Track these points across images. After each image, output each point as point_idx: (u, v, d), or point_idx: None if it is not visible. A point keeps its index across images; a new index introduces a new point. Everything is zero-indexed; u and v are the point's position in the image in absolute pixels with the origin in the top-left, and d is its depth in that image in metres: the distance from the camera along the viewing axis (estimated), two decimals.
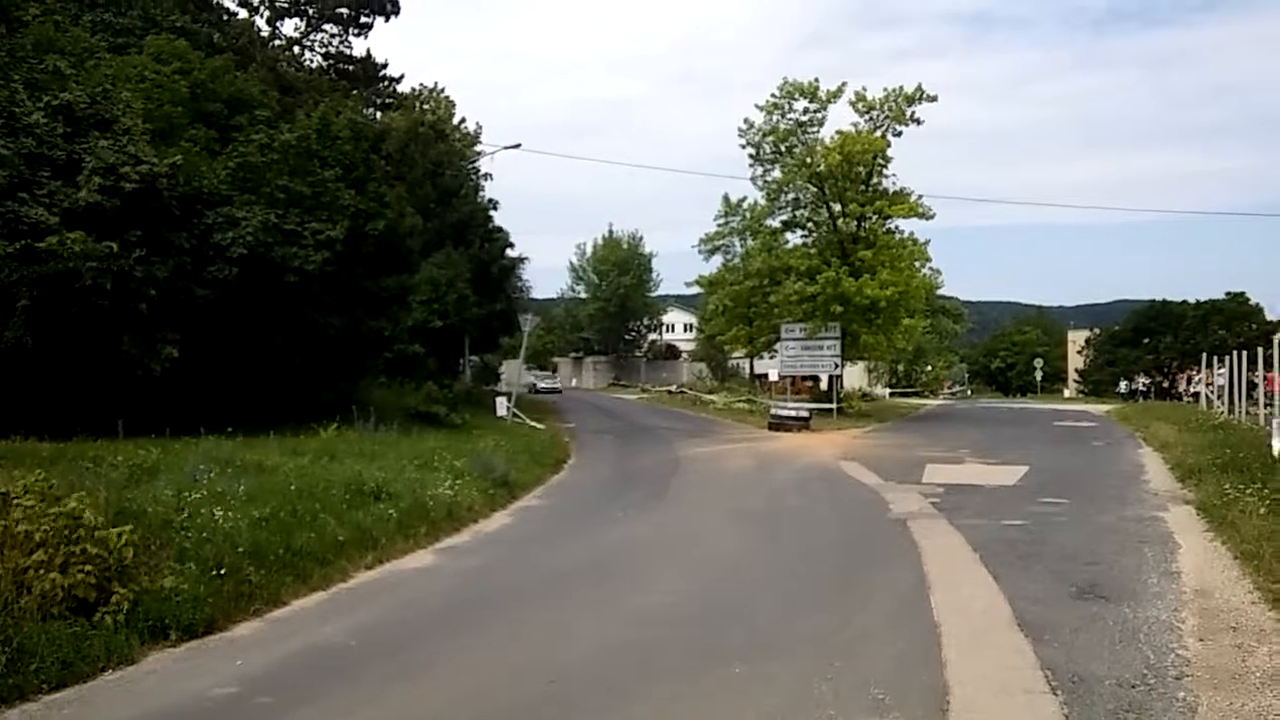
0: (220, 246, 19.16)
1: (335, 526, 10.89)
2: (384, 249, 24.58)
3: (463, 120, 46.86)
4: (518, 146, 41.83)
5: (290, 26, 39.95)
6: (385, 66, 41.73)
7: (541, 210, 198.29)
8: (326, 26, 40.02)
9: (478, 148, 44.99)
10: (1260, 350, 27.65)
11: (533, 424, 29.56)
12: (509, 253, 43.28)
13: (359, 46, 41.14)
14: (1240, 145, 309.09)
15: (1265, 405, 25.49)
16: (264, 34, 38.34)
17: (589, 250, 76.28)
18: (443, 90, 47.11)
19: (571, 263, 77.66)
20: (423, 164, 37.14)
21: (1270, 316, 58.71)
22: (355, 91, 39.79)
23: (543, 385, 60.02)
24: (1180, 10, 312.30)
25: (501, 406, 30.59)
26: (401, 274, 26.51)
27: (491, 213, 42.54)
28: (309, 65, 40.02)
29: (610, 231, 76.28)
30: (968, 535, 12.07)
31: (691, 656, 7.38)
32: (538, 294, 66.36)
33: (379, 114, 42.14)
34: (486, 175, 44.09)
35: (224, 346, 19.57)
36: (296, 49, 40.22)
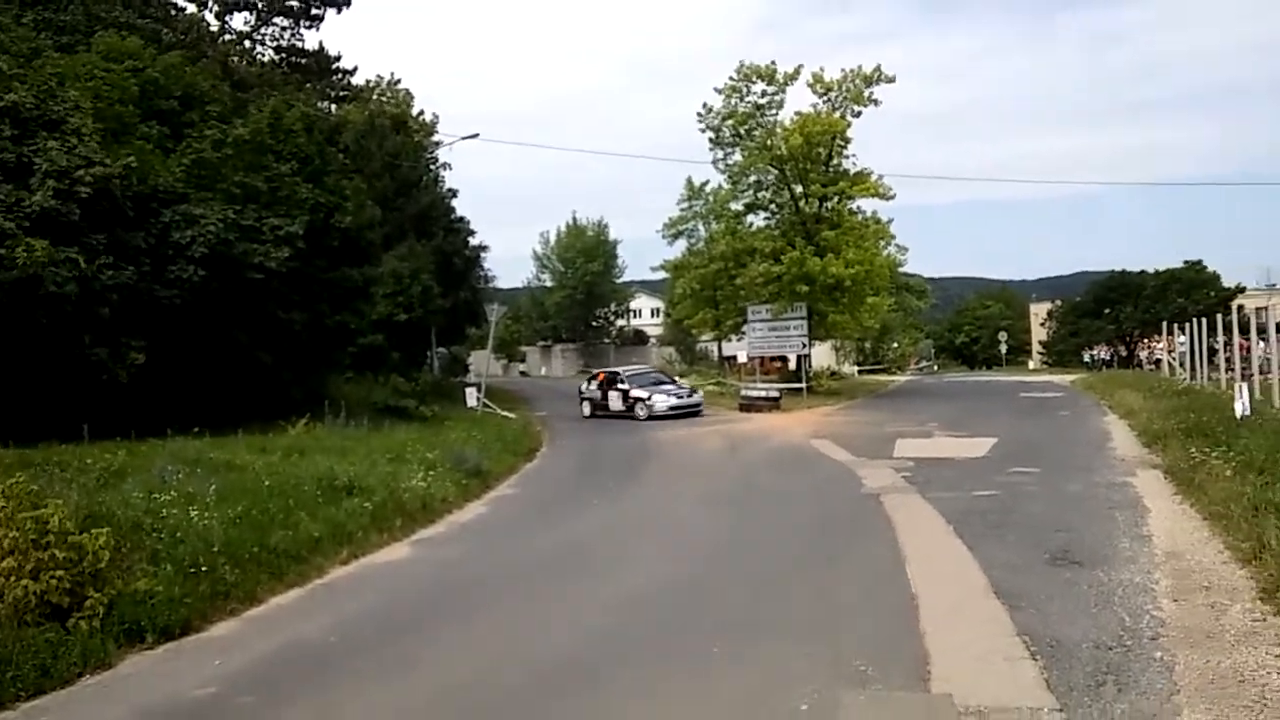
0: (180, 245, 18.90)
1: (309, 523, 10.81)
2: (345, 243, 24.37)
3: (420, 112, 46.53)
4: (475, 136, 41.50)
5: (240, 20, 39.41)
6: (338, 59, 41.32)
7: (504, 200, 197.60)
8: (277, 20, 39.49)
9: (435, 138, 44.66)
10: (1219, 317, 28.07)
11: (504, 414, 29.46)
12: (471, 243, 43.02)
13: (311, 39, 40.63)
14: (1192, 117, 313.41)
15: (1228, 371, 25.90)
16: (213, 29, 37.78)
17: (553, 238, 75.93)
18: (398, 81, 46.70)
19: (536, 251, 77.09)
20: (380, 156, 36.81)
21: (1227, 284, 59.66)
22: (309, 85, 39.31)
23: (662, 402, 29.90)
24: None
25: (471, 397, 30.45)
26: (364, 267, 26.29)
27: (452, 203, 42.27)
28: (260, 60, 39.49)
29: (574, 219, 75.83)
30: (940, 508, 12.18)
31: (670, 639, 7.41)
32: (503, 283, 65.95)
33: (333, 107, 41.68)
34: (445, 165, 43.80)
35: (188, 346, 19.34)
36: (247, 43, 39.68)
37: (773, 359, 41.21)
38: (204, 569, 8.59)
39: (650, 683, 6.49)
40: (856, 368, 61.93)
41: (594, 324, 77.69)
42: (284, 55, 40.04)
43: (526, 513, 14.35)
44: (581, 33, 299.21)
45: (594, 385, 32.21)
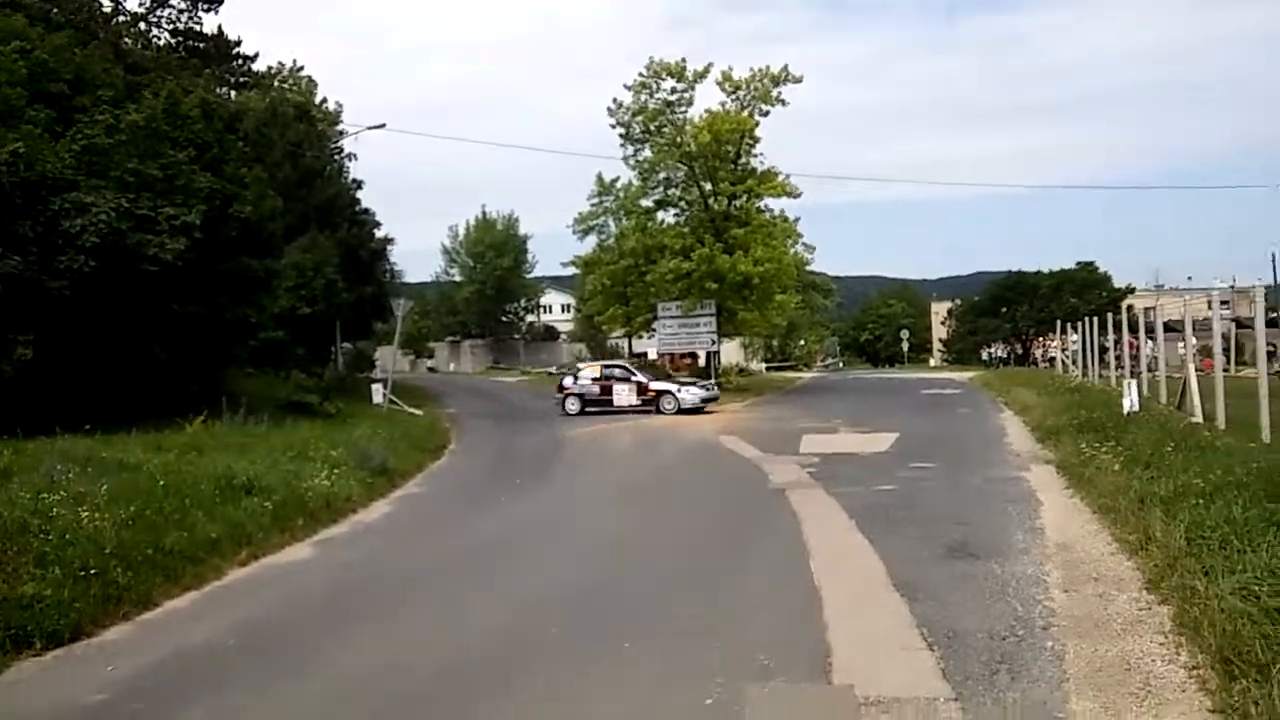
0: (70, 235, 18.14)
1: (206, 523, 10.48)
2: (245, 233, 23.68)
3: (324, 100, 45.59)
4: (382, 126, 41.05)
5: (134, 1, 37.97)
6: (239, 44, 40.07)
7: (412, 192, 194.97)
8: (174, 1, 38.16)
9: (340, 127, 43.80)
10: (1110, 316, 29.19)
11: (411, 410, 29.07)
12: (378, 235, 42.31)
13: (209, 23, 39.34)
14: (1086, 122, 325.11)
15: (1118, 369, 26.97)
16: (105, 9, 36.36)
17: (462, 232, 75.15)
18: (301, 68, 45.66)
19: (444, 245, 76.29)
20: (282, 144, 35.88)
21: (1117, 284, 62.17)
22: (207, 70, 38.08)
23: (691, 396, 29.32)
24: None
25: (377, 393, 29.96)
26: (265, 259, 25.61)
27: (358, 194, 41.49)
28: (156, 43, 38.15)
29: (484, 213, 75.17)
30: (843, 502, 12.43)
31: (581, 637, 7.40)
32: (411, 278, 64.98)
33: (233, 93, 40.51)
34: (351, 156, 42.97)
35: (79, 340, 18.59)
36: (142, 25, 38.28)
37: (683, 356, 41.56)
38: (95, 572, 8.25)
39: (560, 680, 6.48)
40: (764, 364, 62.81)
41: (504, 319, 77.20)
42: (181, 39, 38.68)
43: (433, 512, 14.19)
44: (494, 23, 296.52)
45: (587, 379, 30.42)
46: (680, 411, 28.33)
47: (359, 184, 41.95)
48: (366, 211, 41.58)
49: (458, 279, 75.95)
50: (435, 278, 78.13)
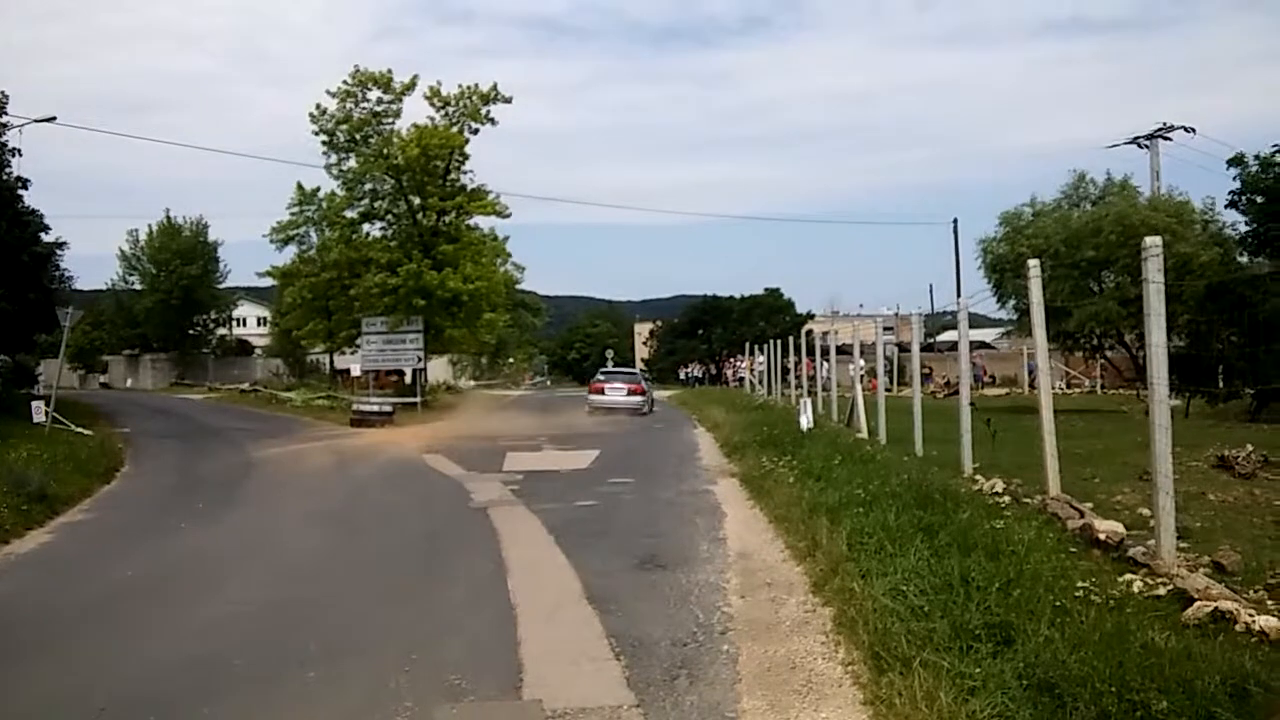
0: None
1: None
2: None
3: None
4: (53, 120, 36.92)
5: None
6: None
7: (88, 193, 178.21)
8: None
9: (3, 119, 39.24)
10: (792, 339, 31.55)
11: (78, 429, 26.44)
12: (45, 238, 38.22)
13: None
14: (773, 155, 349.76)
15: (798, 388, 29.15)
16: None
17: (144, 237, 69.36)
18: None
19: (123, 251, 70.01)
20: None
21: (800, 310, 67.37)
22: None
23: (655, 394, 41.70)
24: (724, 34, 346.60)
25: (38, 411, 27.02)
26: None
27: (21, 192, 37.31)
28: None
29: (169, 217, 69.73)
30: (544, 519, 12.64)
31: (265, 668, 7.03)
32: (84, 285, 58.96)
33: None
34: (15, 151, 38.58)
35: None
36: None
37: (388, 373, 40.64)
38: None
39: (240, 715, 6.14)
40: (473, 382, 62.58)
41: (191, 333, 71.94)
42: None
43: (101, 540, 12.95)
44: (189, 16, 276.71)
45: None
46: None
47: (24, 181, 37.77)
48: (33, 212, 37.48)
49: (138, 288, 70.03)
50: (112, 286, 71.54)
